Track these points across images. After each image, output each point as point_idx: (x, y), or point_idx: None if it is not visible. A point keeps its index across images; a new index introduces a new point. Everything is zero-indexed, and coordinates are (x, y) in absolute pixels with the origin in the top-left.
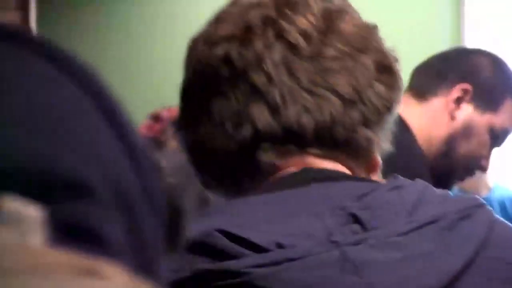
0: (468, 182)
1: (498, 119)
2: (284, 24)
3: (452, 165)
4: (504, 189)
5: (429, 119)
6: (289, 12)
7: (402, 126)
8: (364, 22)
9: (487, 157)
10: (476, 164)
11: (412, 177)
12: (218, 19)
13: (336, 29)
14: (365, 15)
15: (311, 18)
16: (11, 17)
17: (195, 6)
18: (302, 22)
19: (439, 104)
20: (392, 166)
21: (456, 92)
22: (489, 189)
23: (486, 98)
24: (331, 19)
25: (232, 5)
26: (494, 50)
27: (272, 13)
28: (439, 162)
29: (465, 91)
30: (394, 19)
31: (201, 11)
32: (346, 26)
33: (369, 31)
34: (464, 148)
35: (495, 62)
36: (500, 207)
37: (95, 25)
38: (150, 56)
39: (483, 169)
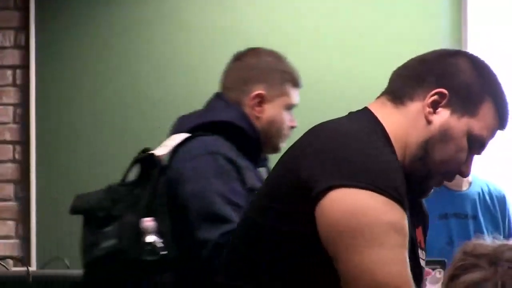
0: None
1: (476, 123)
2: None
3: (429, 170)
4: (482, 181)
5: (405, 124)
6: None
7: (380, 129)
8: None
9: (466, 162)
10: (454, 169)
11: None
12: None
13: None
14: (365, 13)
15: None
16: (11, 17)
17: (197, 6)
18: None
19: (415, 108)
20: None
21: (432, 96)
22: (470, 183)
23: (464, 103)
24: None
25: None
26: (495, 47)
27: None
28: (415, 167)
29: (441, 95)
30: (394, 17)
31: (204, 11)
32: None
33: None
34: (440, 153)
35: (475, 64)
36: (478, 200)
37: (95, 25)
38: (151, 56)
39: (463, 174)
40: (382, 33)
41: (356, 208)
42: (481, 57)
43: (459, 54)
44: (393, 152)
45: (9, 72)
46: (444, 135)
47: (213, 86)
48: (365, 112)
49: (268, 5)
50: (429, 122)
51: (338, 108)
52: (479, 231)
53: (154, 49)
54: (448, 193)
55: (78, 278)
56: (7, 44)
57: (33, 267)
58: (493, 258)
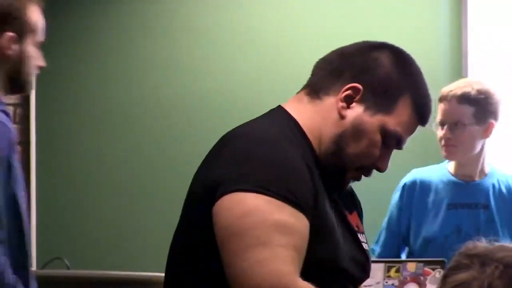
0: (462, 168)
1: (390, 119)
2: None
3: (342, 164)
4: (502, 175)
5: (319, 119)
6: None
7: (294, 125)
8: None
9: (382, 158)
10: (369, 164)
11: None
12: None
13: None
14: (365, 13)
15: None
16: None
17: (194, 6)
18: None
19: (330, 103)
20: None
21: (345, 91)
22: (485, 174)
23: (380, 99)
24: None
25: None
26: (495, 47)
27: None
28: (329, 161)
29: (355, 90)
30: (394, 17)
31: (201, 10)
32: None
33: None
34: (353, 147)
35: (397, 59)
36: (492, 190)
37: (96, 25)
38: (152, 58)
39: (380, 170)
40: (382, 33)
41: (242, 212)
42: (406, 52)
43: (382, 48)
44: (311, 147)
45: None
46: (356, 130)
47: (214, 87)
48: (278, 111)
49: (269, 6)
50: (342, 116)
51: None
52: (490, 220)
53: (155, 50)
54: (458, 184)
55: (78, 278)
56: None
57: (33, 267)
58: (484, 258)
